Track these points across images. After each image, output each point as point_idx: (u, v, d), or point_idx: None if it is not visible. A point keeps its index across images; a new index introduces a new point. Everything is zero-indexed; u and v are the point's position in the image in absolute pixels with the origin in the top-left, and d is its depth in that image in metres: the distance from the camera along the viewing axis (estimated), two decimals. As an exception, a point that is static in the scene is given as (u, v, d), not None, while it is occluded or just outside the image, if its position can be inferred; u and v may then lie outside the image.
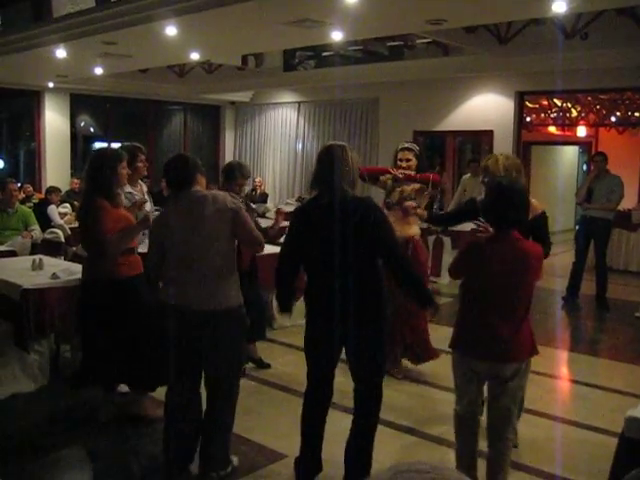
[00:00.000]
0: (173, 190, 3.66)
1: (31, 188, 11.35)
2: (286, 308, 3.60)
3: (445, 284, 9.29)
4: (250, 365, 5.50)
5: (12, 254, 6.69)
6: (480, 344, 3.26)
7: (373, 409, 3.48)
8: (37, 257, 5.65)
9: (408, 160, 5.32)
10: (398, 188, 5.33)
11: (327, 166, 3.36)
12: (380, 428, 4.39)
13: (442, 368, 5.39)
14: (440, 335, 6.21)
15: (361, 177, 5.68)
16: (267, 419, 4.46)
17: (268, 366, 5.57)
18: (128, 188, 4.98)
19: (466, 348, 3.33)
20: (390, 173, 5.37)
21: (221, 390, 3.67)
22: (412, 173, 5.27)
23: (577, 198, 8.52)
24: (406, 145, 5.41)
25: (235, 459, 3.79)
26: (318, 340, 3.44)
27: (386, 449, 4.13)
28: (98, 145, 14.17)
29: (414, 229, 5.44)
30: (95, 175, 4.21)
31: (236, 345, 3.64)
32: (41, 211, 8.81)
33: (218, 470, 3.64)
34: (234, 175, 5.27)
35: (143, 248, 4.47)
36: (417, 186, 5.29)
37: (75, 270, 5.12)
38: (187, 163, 3.66)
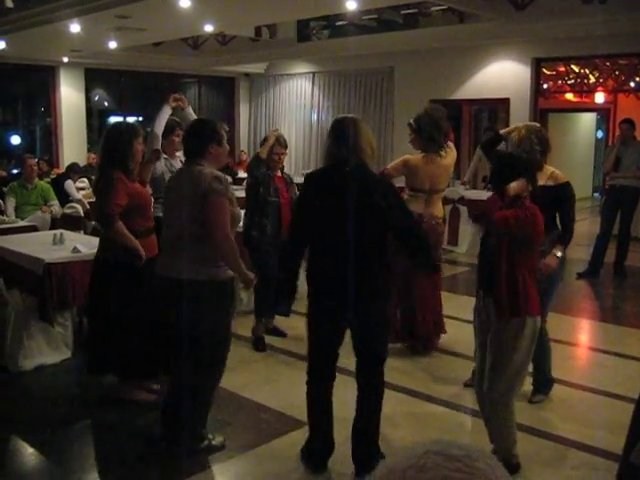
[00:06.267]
0: (185, 159, 3.73)
1: (45, 165, 11.41)
2: (289, 291, 3.54)
3: (462, 253, 9.30)
4: (267, 336, 5.58)
5: (33, 229, 6.78)
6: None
7: (377, 389, 3.42)
8: (58, 232, 5.73)
9: (409, 135, 5.31)
10: None
11: (340, 139, 3.30)
12: (401, 396, 4.47)
13: (452, 335, 5.44)
14: (458, 304, 6.26)
15: None
16: (286, 387, 4.52)
17: (284, 335, 5.64)
18: (164, 155, 5.07)
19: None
20: None
21: (192, 364, 3.61)
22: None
23: (604, 168, 8.34)
24: (409, 121, 5.35)
25: (218, 439, 3.76)
26: (324, 318, 3.38)
27: (408, 419, 4.20)
28: (113, 119, 14.20)
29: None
30: (110, 149, 4.14)
31: (206, 320, 3.52)
32: (59, 186, 8.87)
33: (192, 445, 3.66)
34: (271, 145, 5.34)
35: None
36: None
37: (95, 244, 5.18)
38: (199, 134, 3.64)
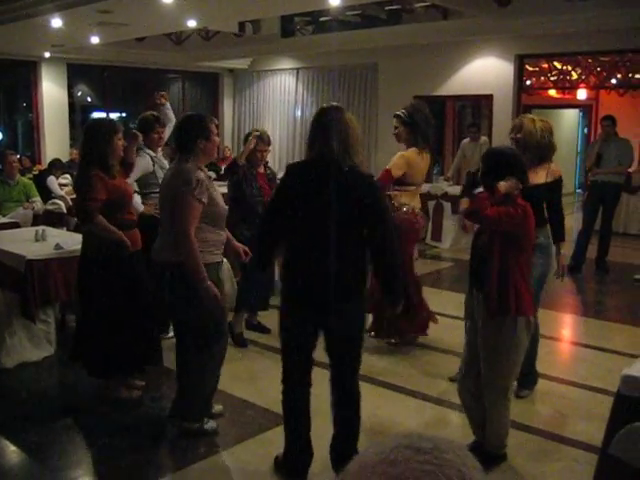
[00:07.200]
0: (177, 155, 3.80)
1: (28, 161, 11.33)
2: (264, 264, 3.51)
3: (446, 249, 9.35)
4: (251, 332, 5.59)
5: (15, 225, 6.73)
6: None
7: (353, 400, 3.33)
8: (40, 228, 5.70)
9: (395, 127, 5.20)
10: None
11: (322, 130, 3.13)
12: (383, 391, 4.50)
13: (437, 332, 5.47)
14: (441, 299, 6.29)
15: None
16: (270, 383, 4.51)
17: (268, 331, 5.64)
18: (152, 152, 5.12)
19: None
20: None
21: (180, 345, 3.83)
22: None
23: (586, 164, 8.43)
24: (397, 112, 5.24)
25: (210, 424, 3.85)
26: (298, 322, 3.24)
27: (390, 413, 4.22)
28: (96, 115, 14.10)
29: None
30: (90, 146, 4.12)
31: (189, 302, 3.62)
32: (41, 183, 8.81)
33: (182, 421, 3.81)
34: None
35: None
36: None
37: (78, 240, 5.15)
38: (187, 130, 3.71)
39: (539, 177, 4.13)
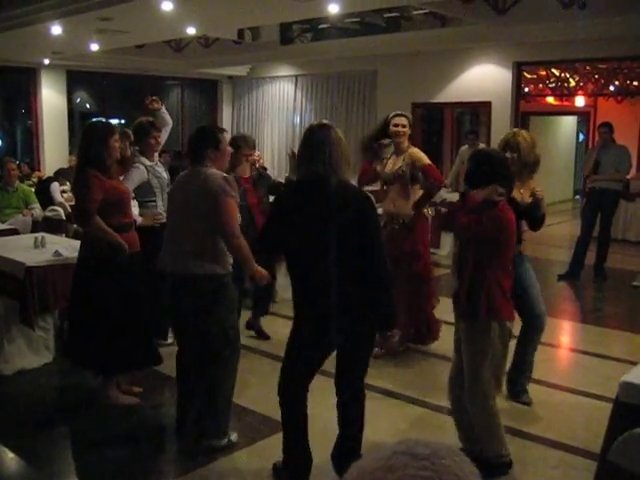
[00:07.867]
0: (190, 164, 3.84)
1: (27, 168, 11.33)
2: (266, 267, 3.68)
3: (444, 255, 9.34)
4: (251, 339, 5.60)
5: (14, 232, 6.73)
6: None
7: (359, 405, 3.37)
8: (39, 235, 5.70)
9: (404, 126, 5.23)
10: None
11: (309, 151, 3.18)
12: (382, 398, 4.49)
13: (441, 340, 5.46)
14: (440, 306, 6.28)
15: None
16: (270, 390, 4.50)
17: (267, 337, 5.65)
18: (147, 162, 5.11)
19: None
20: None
21: (194, 357, 3.82)
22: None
23: (584, 171, 8.43)
24: (399, 112, 5.35)
25: (234, 435, 3.85)
26: (314, 345, 3.21)
27: (389, 420, 4.22)
28: (95, 122, 14.09)
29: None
30: (87, 149, 4.17)
31: (214, 313, 3.67)
32: (43, 189, 8.82)
33: (211, 439, 3.74)
34: (238, 146, 5.34)
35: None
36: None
37: (77, 247, 5.16)
38: (196, 141, 3.79)
39: (527, 193, 4.20)
